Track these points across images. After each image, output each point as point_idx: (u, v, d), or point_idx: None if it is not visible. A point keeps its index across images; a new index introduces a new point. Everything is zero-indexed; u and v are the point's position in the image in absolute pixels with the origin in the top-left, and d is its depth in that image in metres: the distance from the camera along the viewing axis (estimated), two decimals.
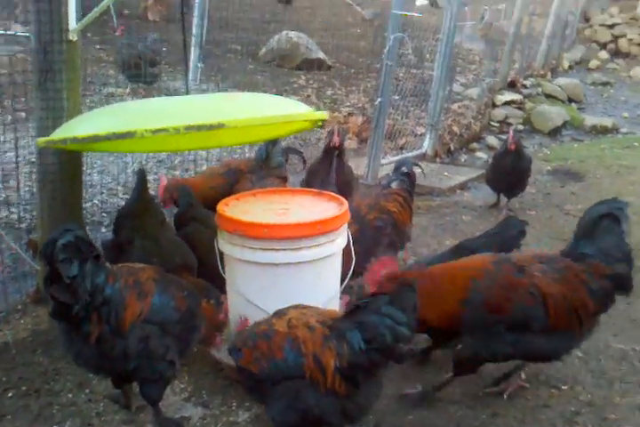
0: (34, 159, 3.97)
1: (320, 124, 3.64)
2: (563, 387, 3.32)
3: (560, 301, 2.86)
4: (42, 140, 2.96)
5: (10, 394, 3.04)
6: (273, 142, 4.36)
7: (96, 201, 5.05)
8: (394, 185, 4.18)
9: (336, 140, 4.49)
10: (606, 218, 2.90)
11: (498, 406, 3.15)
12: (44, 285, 2.51)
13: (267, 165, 4.28)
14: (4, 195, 4.91)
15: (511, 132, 5.88)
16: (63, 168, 3.45)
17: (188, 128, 2.72)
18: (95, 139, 2.75)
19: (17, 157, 4.24)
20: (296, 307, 2.74)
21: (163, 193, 3.76)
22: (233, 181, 4.17)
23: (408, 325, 2.46)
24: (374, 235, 3.92)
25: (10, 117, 5.17)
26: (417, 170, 4.51)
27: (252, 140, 3.99)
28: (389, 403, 3.12)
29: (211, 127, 2.74)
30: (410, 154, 7.06)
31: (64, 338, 2.65)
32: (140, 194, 3.44)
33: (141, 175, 3.47)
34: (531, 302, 2.87)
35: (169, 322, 2.75)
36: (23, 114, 5.82)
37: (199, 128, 2.74)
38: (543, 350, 2.95)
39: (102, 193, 5.12)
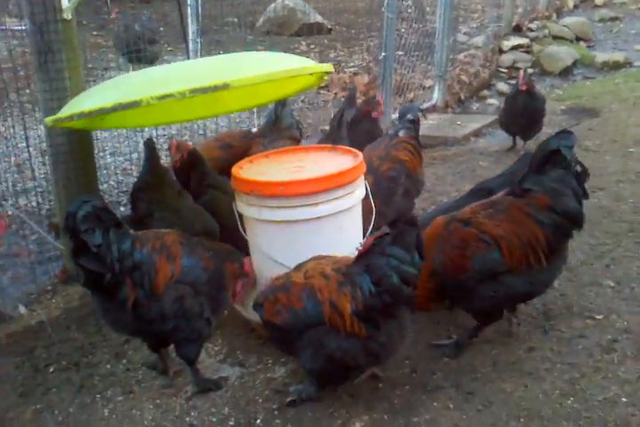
0: (45, 147, 3.98)
1: (326, 78, 3.57)
2: (597, 317, 3.29)
3: (513, 239, 2.82)
4: (49, 119, 2.96)
5: (51, 369, 3.12)
6: (282, 104, 4.31)
7: (112, 182, 5.09)
8: (401, 133, 4.12)
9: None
10: (553, 154, 2.82)
11: (533, 340, 3.14)
12: (72, 258, 2.53)
13: (277, 127, 4.24)
14: (21, 184, 4.95)
15: (522, 72, 5.75)
16: (74, 148, 3.47)
17: (194, 91, 2.70)
18: (102, 111, 2.74)
19: (27, 145, 4.29)
20: (315, 258, 2.76)
21: (175, 152, 3.73)
22: (228, 155, 4.15)
23: (413, 264, 2.45)
24: (389, 185, 3.89)
25: (17, 110, 5.19)
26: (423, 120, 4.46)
27: (259, 102, 3.94)
28: (422, 350, 3.13)
29: (216, 88, 2.71)
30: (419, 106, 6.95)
31: (100, 307, 2.69)
32: (151, 165, 3.44)
33: (150, 145, 3.47)
34: (484, 250, 2.85)
35: (199, 282, 2.78)
36: (30, 105, 5.85)
37: (205, 90, 2.71)
38: (523, 290, 2.90)
39: (117, 174, 5.15)
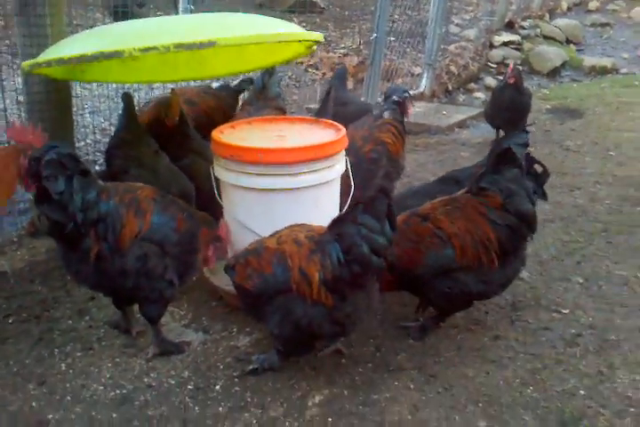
0: (21, 99, 3.85)
1: (314, 48, 3.50)
2: (563, 311, 3.32)
3: (466, 237, 2.83)
4: (26, 63, 2.85)
5: (10, 320, 3.04)
6: (270, 73, 4.23)
7: (89, 141, 4.93)
8: (386, 115, 4.07)
9: None
10: (505, 153, 2.82)
11: (499, 329, 3.16)
12: (35, 205, 2.45)
13: (264, 95, 4.15)
14: None
15: (511, 65, 5.75)
16: (51, 98, 3.37)
17: (178, 46, 2.62)
18: (82, 59, 2.64)
19: (2, 96, 4.12)
20: (291, 226, 2.72)
21: (175, 109, 3.62)
22: (191, 111, 3.99)
23: (383, 233, 2.42)
24: (370, 167, 3.85)
25: None
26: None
27: (246, 68, 3.86)
28: (389, 330, 3.12)
29: (201, 45, 2.64)
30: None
31: (63, 257, 2.62)
32: (128, 120, 3.34)
33: (128, 99, 3.36)
34: (438, 246, 2.85)
35: (168, 242, 2.71)
36: (9, 57, 5.65)
37: (190, 46, 2.63)
38: (477, 289, 2.89)
39: (95, 133, 4.99)
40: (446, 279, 2.87)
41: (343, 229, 2.47)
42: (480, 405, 2.62)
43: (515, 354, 2.96)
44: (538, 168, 2.93)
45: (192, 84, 5.08)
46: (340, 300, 2.50)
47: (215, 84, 4.98)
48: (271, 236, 2.69)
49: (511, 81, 5.57)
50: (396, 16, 7.39)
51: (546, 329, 3.16)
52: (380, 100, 6.28)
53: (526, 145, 2.87)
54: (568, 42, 10.81)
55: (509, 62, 9.00)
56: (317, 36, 3.07)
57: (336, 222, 2.54)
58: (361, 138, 3.96)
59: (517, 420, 2.54)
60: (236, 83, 4.40)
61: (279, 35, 2.90)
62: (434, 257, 2.85)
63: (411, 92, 6.84)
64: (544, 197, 2.94)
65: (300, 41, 3.15)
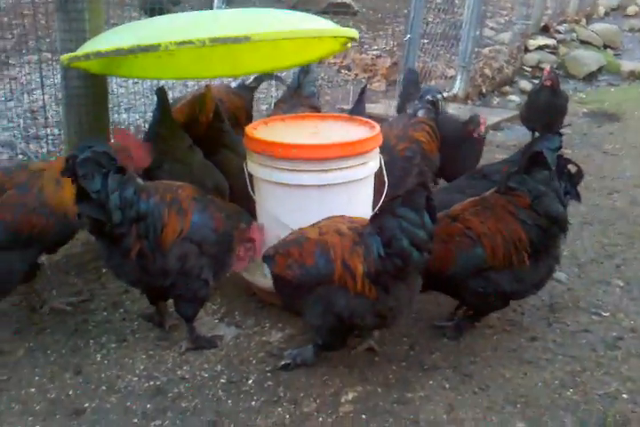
0: (60, 96, 3.90)
1: (349, 45, 3.48)
2: (604, 313, 3.24)
3: (496, 236, 2.78)
4: (65, 56, 2.87)
5: (47, 311, 3.07)
6: (305, 71, 4.22)
7: None
8: (420, 114, 4.03)
9: None
10: (539, 157, 2.75)
11: (536, 330, 3.09)
12: (76, 203, 2.45)
13: (298, 94, 4.14)
14: (33, 130, 4.87)
15: (547, 68, 5.67)
16: (88, 92, 3.39)
17: (214, 40, 2.62)
18: (119, 52, 2.66)
19: (43, 93, 4.20)
20: (329, 218, 2.69)
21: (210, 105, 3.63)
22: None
23: (423, 226, 2.38)
24: (404, 165, 3.81)
25: (36, 57, 5.10)
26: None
27: (279, 65, 3.84)
28: (423, 328, 3.07)
29: (236, 40, 2.63)
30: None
31: (105, 252, 2.61)
32: (162, 115, 3.34)
33: (162, 94, 3.36)
34: (469, 245, 2.80)
35: (207, 242, 2.70)
36: (49, 54, 5.76)
37: (225, 40, 2.63)
38: (511, 288, 2.83)
39: (130, 129, 5.05)
40: (479, 279, 2.82)
41: (384, 222, 2.44)
42: (518, 406, 2.56)
43: (553, 356, 2.89)
44: (572, 168, 2.86)
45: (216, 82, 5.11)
46: (383, 292, 2.46)
47: (233, 84, 4.96)
48: (311, 226, 2.66)
49: (548, 83, 5.48)
50: (430, 19, 7.35)
51: (585, 331, 3.08)
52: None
53: (559, 148, 2.81)
54: (605, 47, 10.62)
55: (545, 66, 8.93)
56: (353, 32, 3.05)
57: (377, 215, 2.51)
58: (395, 136, 3.91)
59: (557, 422, 2.47)
60: (250, 81, 4.38)
61: (314, 30, 2.88)
62: (465, 257, 2.81)
63: (444, 94, 6.87)
64: (578, 197, 2.87)
65: (334, 37, 3.13)
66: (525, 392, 2.64)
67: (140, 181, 2.62)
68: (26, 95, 5.10)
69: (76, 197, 2.43)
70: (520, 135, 6.17)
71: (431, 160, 4.03)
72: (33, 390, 2.56)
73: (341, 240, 2.51)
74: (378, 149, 3.20)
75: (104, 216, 2.42)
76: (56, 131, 4.71)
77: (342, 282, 2.47)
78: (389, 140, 3.87)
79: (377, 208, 2.61)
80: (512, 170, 2.89)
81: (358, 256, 2.46)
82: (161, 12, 6.84)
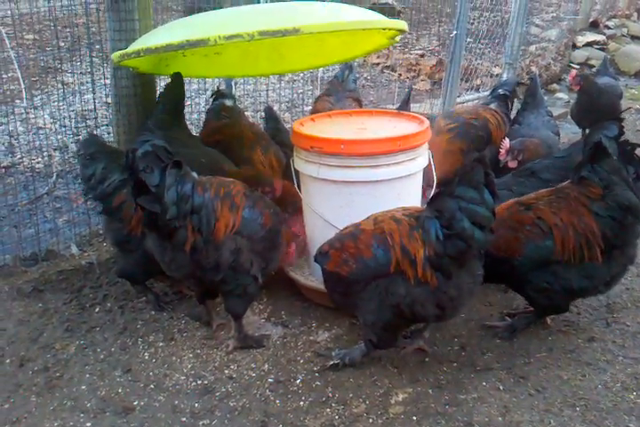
0: (109, 101, 3.95)
1: (397, 39, 3.42)
2: None
3: (568, 229, 2.67)
4: (116, 54, 2.92)
5: (97, 309, 3.11)
6: (349, 69, 4.25)
7: None
8: (492, 106, 4.07)
9: None
10: (597, 146, 2.65)
11: (594, 331, 2.97)
12: (133, 197, 2.44)
13: (342, 88, 4.16)
14: (84, 133, 4.94)
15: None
16: (137, 92, 3.42)
17: (263, 33, 2.62)
18: (169, 48, 2.68)
19: (94, 98, 4.26)
20: (382, 211, 2.62)
21: None
22: None
23: (484, 203, 2.30)
24: (470, 129, 3.86)
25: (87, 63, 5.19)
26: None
27: (325, 61, 3.84)
28: (474, 329, 2.99)
29: (285, 32, 2.62)
30: (486, 93, 6.73)
31: (157, 246, 2.60)
32: (167, 99, 3.32)
33: (177, 79, 3.31)
34: (538, 236, 2.70)
35: (255, 238, 2.68)
36: (98, 59, 5.86)
37: (274, 33, 2.62)
38: (579, 285, 2.72)
39: None
40: (546, 273, 2.72)
41: (441, 204, 2.37)
42: (577, 409, 2.46)
43: (613, 357, 2.77)
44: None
45: None
46: (444, 279, 2.39)
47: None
48: (366, 219, 2.60)
49: (576, 88, 5.40)
50: (474, 17, 7.23)
51: None
52: (459, 100, 6.15)
53: (619, 136, 2.71)
54: None
55: (593, 63, 8.71)
56: (401, 24, 3.00)
57: (434, 198, 2.45)
58: (463, 110, 4.05)
59: (620, 426, 2.36)
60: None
61: (364, 22, 2.85)
62: (533, 248, 2.72)
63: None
64: None
65: (382, 30, 3.08)
66: (585, 395, 2.53)
67: (195, 175, 2.61)
68: (77, 99, 5.18)
69: (133, 191, 2.42)
70: (570, 133, 6.03)
71: (493, 149, 3.93)
72: (84, 387, 2.58)
73: (398, 226, 2.44)
74: (427, 145, 3.13)
75: (161, 209, 2.39)
76: (105, 134, 4.77)
77: (402, 269, 2.40)
78: (456, 111, 4.03)
79: (432, 193, 2.54)
80: (583, 160, 2.78)
81: (417, 240, 2.38)
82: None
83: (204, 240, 2.52)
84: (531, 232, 2.73)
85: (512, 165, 3.75)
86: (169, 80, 3.38)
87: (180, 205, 2.44)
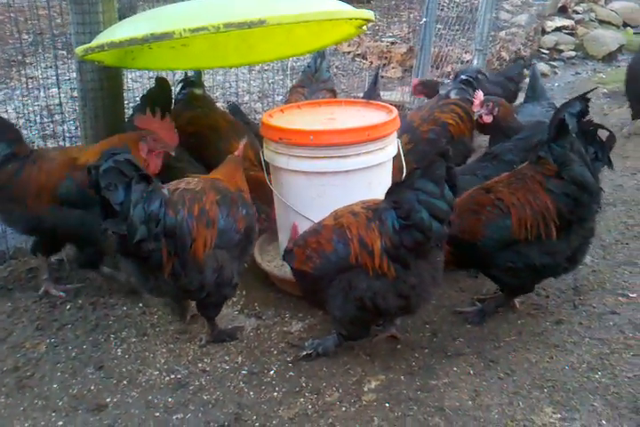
0: (76, 94, 3.90)
1: (365, 28, 3.41)
2: (631, 295, 3.16)
3: (524, 207, 2.73)
4: (80, 48, 2.85)
5: (68, 306, 3.09)
6: (321, 57, 4.21)
7: None
8: (452, 95, 3.93)
9: None
10: (560, 122, 2.68)
11: (562, 313, 3.03)
12: (101, 219, 2.30)
13: (316, 78, 4.12)
14: (50, 128, 4.87)
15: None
16: (103, 85, 3.36)
17: (228, 25, 2.57)
18: (133, 42, 2.63)
19: (59, 91, 4.20)
20: (347, 205, 2.64)
21: None
22: None
23: (443, 197, 2.33)
24: (425, 148, 3.72)
25: (51, 55, 5.10)
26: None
27: (294, 52, 3.79)
28: (445, 315, 3.04)
29: (251, 24, 2.59)
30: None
31: (137, 274, 2.48)
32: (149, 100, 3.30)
33: (162, 83, 3.33)
34: (498, 216, 2.77)
35: (232, 244, 2.59)
36: (64, 52, 5.77)
37: (239, 25, 2.59)
38: (541, 262, 2.77)
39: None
40: (508, 252, 2.77)
41: (400, 196, 2.39)
42: (545, 390, 2.51)
43: (579, 339, 2.83)
44: (602, 134, 2.77)
45: None
46: (402, 270, 2.42)
47: None
48: (328, 215, 2.63)
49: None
50: (444, 3, 7.25)
51: (612, 313, 3.01)
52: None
53: (582, 113, 2.72)
54: (625, 25, 10.38)
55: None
56: (368, 13, 2.99)
57: (392, 190, 2.47)
58: (420, 118, 3.83)
59: (586, 406, 2.42)
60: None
61: (330, 12, 2.83)
62: (494, 228, 2.77)
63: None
64: (610, 164, 2.79)
65: (349, 19, 3.07)
66: (552, 376, 2.59)
67: (165, 191, 2.45)
68: (42, 93, 5.11)
69: (101, 214, 2.28)
70: (541, 118, 6.05)
71: (462, 144, 3.93)
72: (55, 385, 2.57)
73: (356, 219, 2.47)
74: (396, 134, 3.15)
75: (129, 230, 2.24)
76: (72, 128, 4.72)
77: (361, 261, 2.43)
78: (413, 121, 3.80)
79: (393, 183, 2.56)
80: (542, 140, 2.83)
81: (373, 232, 2.41)
82: None
83: (182, 264, 2.40)
84: (491, 213, 2.79)
85: (487, 119, 3.65)
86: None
87: (149, 225, 2.29)
